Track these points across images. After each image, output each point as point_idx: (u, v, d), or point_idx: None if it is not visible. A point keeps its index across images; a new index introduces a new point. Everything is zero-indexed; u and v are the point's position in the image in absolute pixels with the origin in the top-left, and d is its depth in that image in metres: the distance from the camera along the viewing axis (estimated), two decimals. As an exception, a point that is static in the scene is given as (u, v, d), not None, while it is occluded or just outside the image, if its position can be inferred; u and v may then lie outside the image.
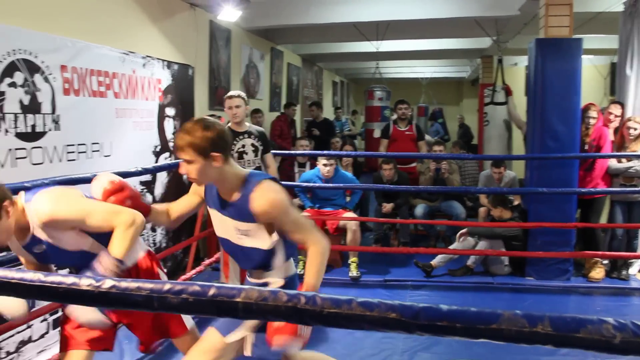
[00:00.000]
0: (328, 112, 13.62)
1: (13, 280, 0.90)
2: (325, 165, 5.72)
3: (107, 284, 0.85)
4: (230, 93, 4.57)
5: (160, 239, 5.07)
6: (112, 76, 4.28)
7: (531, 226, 5.40)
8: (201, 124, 2.23)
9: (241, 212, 2.32)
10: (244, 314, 0.79)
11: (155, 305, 0.82)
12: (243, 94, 4.61)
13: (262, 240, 2.38)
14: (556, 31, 5.35)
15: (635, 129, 5.31)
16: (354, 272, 5.45)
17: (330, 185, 5.68)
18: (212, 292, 0.80)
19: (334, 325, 0.78)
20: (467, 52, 11.14)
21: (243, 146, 4.48)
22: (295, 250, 2.60)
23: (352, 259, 5.54)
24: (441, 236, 6.76)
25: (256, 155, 4.53)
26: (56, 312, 3.72)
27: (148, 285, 0.83)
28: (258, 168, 4.46)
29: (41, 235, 2.22)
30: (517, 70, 12.97)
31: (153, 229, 4.96)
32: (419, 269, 5.54)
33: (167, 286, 0.82)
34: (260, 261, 2.45)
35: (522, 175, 6.44)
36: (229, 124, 4.52)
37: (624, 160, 5.39)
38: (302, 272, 4.86)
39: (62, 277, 0.88)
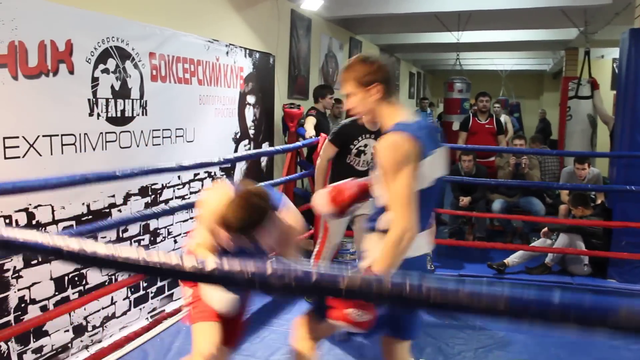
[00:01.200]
0: (404, 103, 13.50)
1: (119, 259, 0.94)
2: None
3: (210, 265, 0.87)
4: None
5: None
6: (197, 63, 4.38)
7: (616, 225, 5.17)
8: (360, 57, 2.31)
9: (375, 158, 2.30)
10: (347, 296, 0.79)
11: (256, 286, 0.83)
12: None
13: (381, 193, 2.28)
14: (652, 21, 5.10)
15: None
16: (428, 265, 5.39)
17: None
18: (315, 277, 0.80)
19: (439, 312, 0.76)
20: (550, 43, 10.77)
21: (365, 145, 4.13)
22: (425, 223, 2.35)
23: (427, 252, 5.47)
24: (518, 232, 6.59)
25: (372, 159, 4.17)
26: (138, 291, 3.87)
27: (251, 267, 0.84)
28: (367, 171, 4.05)
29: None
30: (604, 63, 12.44)
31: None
32: (493, 269, 5.42)
33: (270, 270, 0.83)
34: (373, 218, 2.35)
35: (606, 174, 6.19)
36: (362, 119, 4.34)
37: None
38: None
39: (167, 257, 0.91)
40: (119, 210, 3.64)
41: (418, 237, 2.22)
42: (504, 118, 8.97)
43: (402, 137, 2.16)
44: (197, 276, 0.87)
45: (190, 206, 3.85)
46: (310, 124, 5.76)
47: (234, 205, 2.32)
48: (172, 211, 3.72)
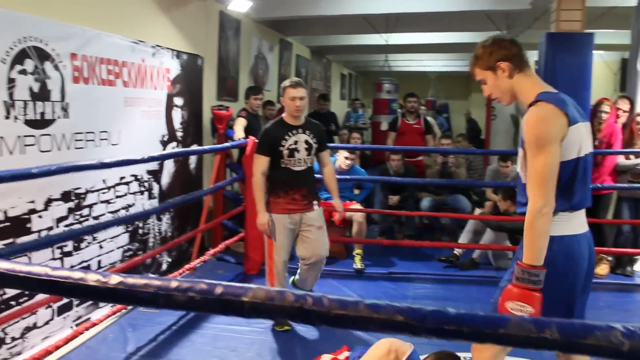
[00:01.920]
0: (336, 105, 13.60)
1: (21, 274, 0.91)
2: (346, 158, 5.89)
3: (114, 280, 0.85)
4: (294, 80, 3.94)
5: (165, 228, 5.09)
6: (122, 65, 4.28)
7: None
8: (479, 44, 2.30)
9: (520, 134, 2.26)
10: (250, 313, 0.79)
11: (161, 303, 0.82)
12: (303, 81, 4.24)
13: (524, 170, 2.18)
14: (568, 25, 5.33)
15: (648, 127, 5.28)
16: (358, 264, 5.46)
17: (347, 177, 5.72)
18: (219, 290, 0.80)
19: (341, 326, 0.78)
20: (476, 45, 11.06)
21: (295, 142, 3.91)
22: (571, 204, 2.16)
23: (357, 251, 5.55)
24: (446, 229, 6.76)
25: (309, 154, 3.98)
26: (60, 299, 3.75)
27: (155, 282, 0.83)
28: (310, 168, 4.04)
29: None
30: (528, 65, 12.88)
31: (159, 218, 4.98)
32: (444, 262, 5.60)
33: (174, 284, 0.82)
34: (521, 202, 2.23)
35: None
36: (282, 116, 4.02)
37: (632, 156, 5.36)
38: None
39: (70, 272, 0.89)
40: (40, 217, 3.52)
41: (575, 216, 2.17)
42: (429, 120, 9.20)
43: (548, 109, 2.08)
44: (101, 292, 0.85)
45: (123, 221, 3.79)
46: (239, 125, 5.72)
47: None
48: (105, 226, 3.62)
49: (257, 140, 4.06)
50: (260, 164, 3.92)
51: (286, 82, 3.93)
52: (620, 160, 5.41)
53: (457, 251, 5.65)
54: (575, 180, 2.14)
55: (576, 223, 2.19)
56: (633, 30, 5.67)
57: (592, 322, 0.74)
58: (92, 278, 0.86)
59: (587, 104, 5.28)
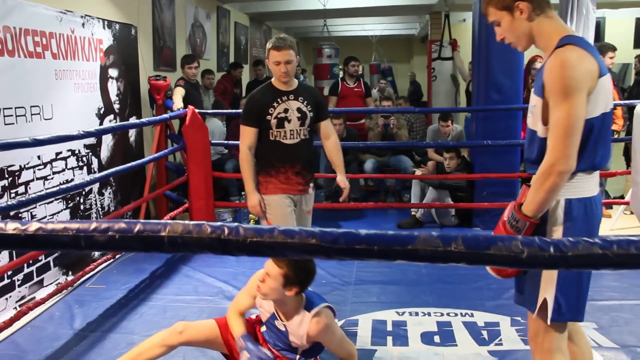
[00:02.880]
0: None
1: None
2: None
3: (34, 226, 0.85)
4: (278, 41, 3.30)
5: (108, 203, 5.01)
6: (49, 36, 4.14)
7: (477, 177, 5.53)
8: None
9: (538, 81, 1.96)
10: (170, 247, 0.81)
11: (82, 244, 0.83)
12: (292, 40, 3.39)
13: (540, 122, 1.97)
14: (499, -16, 5.40)
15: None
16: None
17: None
18: (137, 228, 0.81)
19: (258, 254, 0.80)
20: (415, 8, 11.15)
21: (285, 110, 3.36)
22: (593, 164, 1.99)
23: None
24: (391, 190, 6.87)
25: (303, 124, 3.40)
26: (2, 280, 3.67)
27: (74, 225, 0.83)
28: (306, 141, 3.47)
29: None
30: (466, 27, 13.04)
31: (101, 193, 4.89)
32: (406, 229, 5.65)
33: (93, 225, 0.83)
34: (537, 151, 2.01)
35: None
36: (271, 80, 3.44)
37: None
38: None
39: (-13, 223, 0.88)
40: (-28, 196, 3.41)
41: (593, 176, 2.01)
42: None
43: (577, 53, 1.85)
44: (21, 240, 0.85)
45: (63, 192, 3.69)
46: (178, 95, 5.63)
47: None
48: (38, 199, 3.50)
49: (243, 109, 3.53)
50: (246, 136, 3.40)
51: (269, 43, 3.35)
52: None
53: (416, 213, 5.74)
54: (599, 138, 1.95)
55: (593, 183, 2.02)
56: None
57: (496, 235, 0.78)
58: (10, 227, 0.86)
59: (520, 61, 5.40)
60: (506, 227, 2.03)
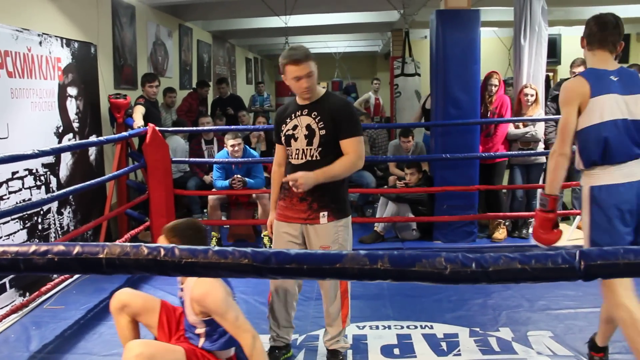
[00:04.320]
0: (242, 89, 13.52)
1: None
2: (232, 146, 5.58)
3: (-27, 250, 0.86)
4: (294, 54, 2.91)
5: (67, 222, 4.95)
6: (5, 54, 4.09)
7: (437, 191, 5.62)
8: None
9: None
10: (108, 269, 0.83)
11: (21, 267, 0.84)
12: (308, 50, 2.99)
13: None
14: (455, 2, 5.55)
15: (532, 95, 5.61)
16: (267, 245, 5.51)
17: (241, 160, 5.63)
18: (76, 250, 0.83)
19: (194, 274, 0.83)
20: (377, 25, 11.31)
21: (295, 127, 3.02)
22: (603, 160, 2.75)
23: (265, 233, 5.59)
24: (353, 205, 6.92)
25: (310, 144, 2.98)
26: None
27: (13, 248, 0.85)
28: (316, 163, 2.96)
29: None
30: (426, 43, 13.28)
31: (60, 212, 4.83)
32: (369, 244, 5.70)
33: (32, 248, 0.84)
34: None
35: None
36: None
37: (521, 125, 5.68)
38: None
39: None
40: None
41: (616, 168, 2.68)
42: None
43: (575, 81, 2.77)
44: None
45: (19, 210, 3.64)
46: (138, 113, 5.61)
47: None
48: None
49: None
50: (275, 152, 3.25)
51: (284, 58, 2.94)
52: (511, 129, 5.73)
53: (377, 228, 5.79)
54: (599, 140, 2.68)
55: (618, 174, 2.68)
56: (515, 7, 5.97)
57: (421, 252, 0.82)
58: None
59: (477, 77, 5.54)
60: (538, 208, 2.89)
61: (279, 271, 0.81)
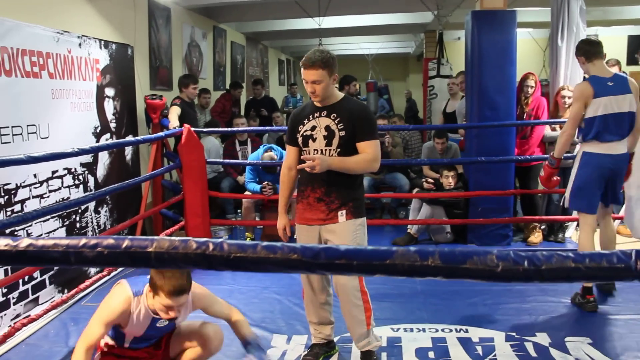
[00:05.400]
0: (274, 90, 13.58)
1: None
2: (272, 159, 5.68)
3: (24, 243, 0.88)
4: (307, 58, 2.95)
5: (104, 221, 5.02)
6: (46, 56, 4.18)
7: (470, 195, 5.56)
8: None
9: None
10: (157, 263, 0.83)
11: (72, 260, 0.85)
12: (326, 57, 2.96)
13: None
14: (491, 3, 5.48)
15: (569, 98, 5.50)
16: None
17: (274, 162, 5.67)
18: (125, 244, 0.84)
19: (242, 269, 0.83)
20: (410, 27, 11.26)
21: (312, 128, 3.04)
22: (596, 137, 3.99)
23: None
24: (386, 208, 6.89)
25: (329, 144, 3.00)
26: (-2, 297, 3.68)
27: (64, 241, 0.86)
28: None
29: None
30: (460, 45, 13.19)
31: (97, 211, 4.91)
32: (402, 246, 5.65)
33: (82, 241, 0.85)
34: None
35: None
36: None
37: (557, 128, 5.59)
38: None
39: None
40: (-32, 215, 3.43)
41: (604, 145, 3.90)
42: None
43: (582, 85, 4.02)
44: (12, 255, 0.87)
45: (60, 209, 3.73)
46: (174, 114, 5.68)
47: (175, 271, 2.49)
48: (34, 216, 3.50)
49: None
50: (286, 154, 3.25)
51: (303, 58, 3.00)
52: (547, 131, 5.64)
53: (411, 230, 5.76)
54: (600, 125, 3.87)
55: (606, 147, 3.90)
56: (552, 7, 5.88)
57: (472, 249, 0.81)
58: (2, 243, 0.88)
59: (513, 79, 5.47)
60: (546, 164, 4.34)
61: (328, 267, 0.80)
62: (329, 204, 3.04)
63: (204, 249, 0.81)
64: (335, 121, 3.01)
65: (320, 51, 2.99)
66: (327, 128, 3.01)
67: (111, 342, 2.85)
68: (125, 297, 2.66)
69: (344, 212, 3.04)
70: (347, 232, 3.05)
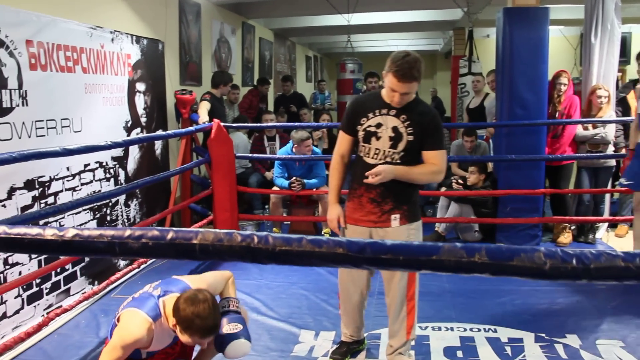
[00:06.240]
0: (302, 87, 13.60)
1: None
2: (308, 146, 5.70)
3: (70, 233, 0.89)
4: (401, 69, 2.71)
5: (134, 214, 5.08)
6: (80, 51, 4.24)
7: (501, 194, 5.50)
8: None
9: None
10: (201, 254, 0.83)
11: (117, 251, 0.86)
12: (420, 66, 2.75)
13: None
14: (523, 0, 5.41)
15: (605, 97, 5.42)
16: None
17: (303, 157, 5.68)
18: (170, 235, 0.84)
19: (287, 262, 0.83)
20: (439, 24, 11.17)
21: (378, 125, 2.86)
22: None
23: (325, 230, 5.60)
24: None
25: (394, 147, 2.84)
26: (31, 288, 3.74)
27: (109, 232, 0.87)
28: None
29: None
30: (490, 42, 13.05)
31: (127, 205, 4.96)
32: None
33: (127, 232, 0.86)
34: None
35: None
36: (383, 89, 2.90)
37: (590, 127, 5.50)
38: None
39: (27, 229, 0.92)
40: (3, 206, 3.49)
41: None
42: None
43: None
44: (58, 245, 0.89)
45: (92, 201, 3.79)
46: (203, 109, 5.72)
47: (206, 309, 2.44)
48: (67, 208, 3.56)
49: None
50: (338, 142, 3.05)
51: (393, 62, 2.74)
52: (579, 130, 5.55)
53: (438, 228, 5.73)
54: None
55: None
56: (586, 4, 5.78)
57: (519, 246, 0.80)
58: (49, 233, 0.90)
59: (545, 76, 5.39)
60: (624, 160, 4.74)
61: (374, 261, 0.80)
62: (382, 206, 2.90)
63: (249, 241, 0.81)
64: (405, 124, 2.84)
65: (413, 58, 2.74)
66: (395, 129, 2.84)
67: None
68: (146, 324, 2.51)
69: (397, 216, 2.91)
70: (399, 238, 2.87)
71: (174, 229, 0.84)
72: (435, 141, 2.89)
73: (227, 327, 2.66)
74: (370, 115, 2.88)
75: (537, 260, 0.77)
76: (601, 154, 5.50)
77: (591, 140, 5.51)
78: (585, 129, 5.53)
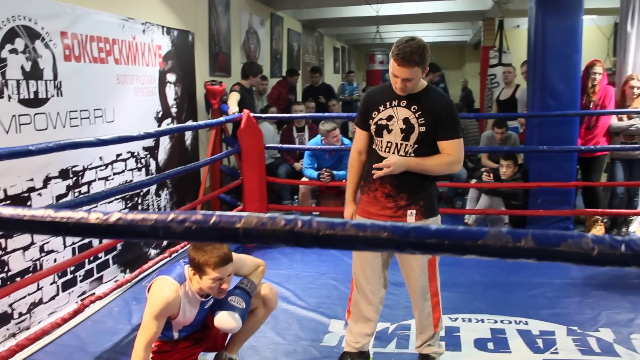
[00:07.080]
0: (329, 78, 13.58)
1: (25, 218, 0.95)
2: (335, 137, 5.74)
3: (114, 216, 0.90)
4: (399, 53, 2.59)
5: (165, 204, 5.14)
6: (112, 42, 4.29)
7: (532, 186, 5.43)
8: None
9: None
10: (245, 238, 0.84)
11: (160, 234, 0.87)
12: (422, 50, 2.60)
13: None
14: (556, -11, 5.32)
15: (638, 88, 5.30)
16: None
17: (333, 147, 5.70)
18: (213, 219, 0.85)
19: (331, 246, 0.83)
20: (468, 14, 11.06)
21: (389, 118, 2.77)
22: None
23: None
24: (443, 197, 6.82)
25: (406, 139, 2.75)
26: (65, 275, 3.81)
27: (153, 216, 0.88)
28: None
29: None
30: (520, 33, 12.88)
31: (157, 194, 5.02)
32: None
33: (170, 216, 0.87)
34: None
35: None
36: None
37: (624, 118, 5.40)
38: None
39: (72, 212, 0.93)
40: (39, 195, 3.56)
41: None
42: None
43: None
44: (102, 229, 0.90)
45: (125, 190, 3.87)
46: (233, 99, 5.75)
47: (215, 244, 2.50)
48: (101, 197, 3.62)
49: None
50: (356, 138, 2.98)
51: (395, 48, 2.64)
52: (614, 121, 5.44)
53: (467, 220, 5.69)
54: None
55: None
56: (623, -8, 5.67)
57: (566, 232, 0.79)
58: (93, 217, 0.91)
59: (578, 66, 5.31)
60: None
61: (418, 246, 0.79)
62: (397, 201, 2.79)
63: (293, 226, 0.81)
64: (416, 114, 2.73)
65: (416, 43, 2.61)
66: (406, 121, 2.74)
67: (158, 342, 2.83)
68: (173, 286, 2.61)
69: (413, 211, 2.80)
70: None
71: (217, 212, 0.85)
72: (450, 130, 2.76)
73: (233, 298, 2.75)
74: (382, 108, 2.80)
75: (584, 246, 0.76)
76: (636, 145, 5.39)
77: (626, 132, 5.40)
78: (620, 119, 5.42)
